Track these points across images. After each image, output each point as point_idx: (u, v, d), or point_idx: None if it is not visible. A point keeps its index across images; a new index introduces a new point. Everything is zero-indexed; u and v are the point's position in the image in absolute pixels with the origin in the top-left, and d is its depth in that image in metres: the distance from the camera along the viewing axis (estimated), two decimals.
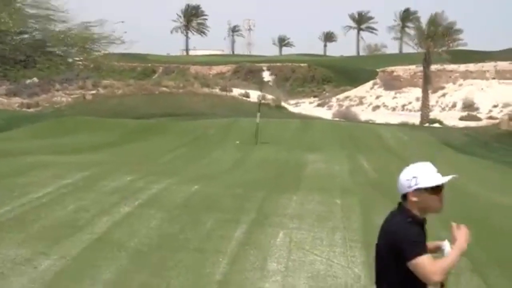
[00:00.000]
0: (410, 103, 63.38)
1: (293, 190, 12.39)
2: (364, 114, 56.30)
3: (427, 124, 46.11)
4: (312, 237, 8.74)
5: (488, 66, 66.10)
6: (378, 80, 73.18)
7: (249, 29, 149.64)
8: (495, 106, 56.23)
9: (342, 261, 7.55)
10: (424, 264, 3.40)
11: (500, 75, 63.82)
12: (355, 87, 74.60)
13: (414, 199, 3.56)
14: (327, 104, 69.09)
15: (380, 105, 66.10)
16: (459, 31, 54.37)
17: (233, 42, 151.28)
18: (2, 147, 18.74)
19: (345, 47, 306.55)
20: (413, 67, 65.54)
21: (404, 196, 3.61)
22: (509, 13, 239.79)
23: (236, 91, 57.04)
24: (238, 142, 22.58)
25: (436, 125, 46.20)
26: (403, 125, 40.29)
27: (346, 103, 68.12)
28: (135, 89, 50.56)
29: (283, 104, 56.59)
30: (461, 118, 51.53)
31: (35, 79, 47.54)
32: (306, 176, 15.34)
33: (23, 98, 46.00)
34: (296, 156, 18.74)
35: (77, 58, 25.41)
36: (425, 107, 52.48)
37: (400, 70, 70.93)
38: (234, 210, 10.22)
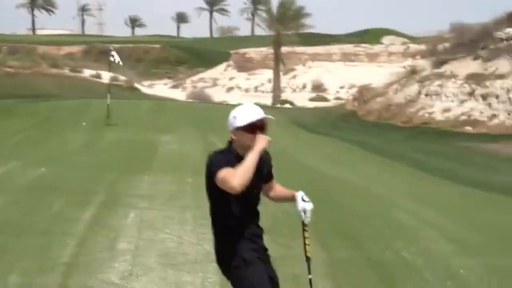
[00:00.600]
0: (262, 84, 64.75)
1: (144, 171, 12.35)
2: (218, 95, 56.83)
3: (278, 105, 47.46)
4: (163, 216, 8.78)
5: (335, 48, 69.29)
6: (231, 62, 74.15)
7: (100, 9, 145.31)
8: (341, 87, 59.00)
9: (193, 238, 7.65)
10: (224, 173, 3.65)
11: (346, 57, 67.15)
12: (209, 68, 75.05)
13: (234, 137, 3.86)
14: (181, 86, 68.94)
15: (234, 86, 67.02)
16: (308, 14, 56.80)
17: (83, 22, 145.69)
18: None
19: (198, 28, 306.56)
20: (264, 49, 66.98)
21: None
22: None
23: (88, 72, 55.52)
24: (84, 123, 22.03)
25: (287, 105, 47.74)
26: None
27: (200, 84, 68.35)
28: None
29: (136, 85, 55.80)
30: (311, 99, 53.59)
31: None
32: (158, 157, 15.35)
33: None
34: (149, 138, 18.60)
35: None
36: (276, 88, 54.00)
37: (252, 52, 72.27)
38: (83, 192, 10.00)
